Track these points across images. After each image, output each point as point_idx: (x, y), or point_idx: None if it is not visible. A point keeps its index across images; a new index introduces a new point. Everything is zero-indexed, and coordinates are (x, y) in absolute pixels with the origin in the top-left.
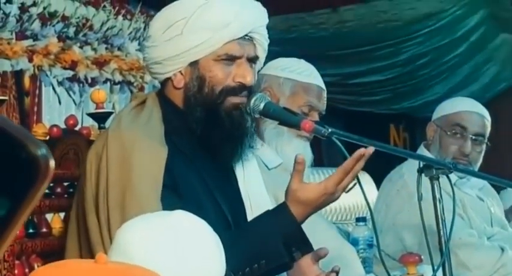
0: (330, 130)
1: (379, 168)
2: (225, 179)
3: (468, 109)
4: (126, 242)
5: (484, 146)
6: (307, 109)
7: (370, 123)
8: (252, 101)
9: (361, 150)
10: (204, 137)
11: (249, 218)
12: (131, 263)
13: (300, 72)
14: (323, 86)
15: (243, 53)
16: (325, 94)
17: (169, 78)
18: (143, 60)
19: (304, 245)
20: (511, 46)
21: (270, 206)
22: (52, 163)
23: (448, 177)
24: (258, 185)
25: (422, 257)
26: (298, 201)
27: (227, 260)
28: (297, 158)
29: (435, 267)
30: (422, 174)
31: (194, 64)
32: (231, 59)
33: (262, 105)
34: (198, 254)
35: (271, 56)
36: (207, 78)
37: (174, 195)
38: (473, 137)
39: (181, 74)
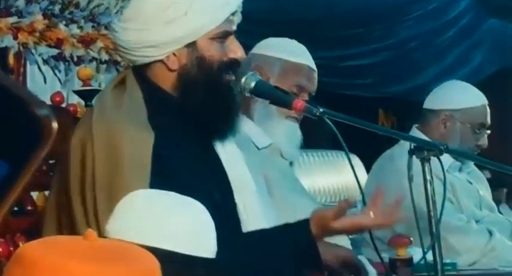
0: (321, 110)
1: (369, 151)
2: (211, 159)
3: (483, 103)
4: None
5: None
6: (296, 89)
7: (359, 107)
8: (243, 79)
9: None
10: (200, 116)
11: (236, 198)
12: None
13: (290, 52)
14: (314, 66)
15: (234, 28)
16: (315, 75)
17: (156, 61)
18: (121, 44)
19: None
20: (499, 31)
21: (254, 186)
22: (55, 124)
23: (439, 159)
24: (240, 165)
25: (411, 239)
26: (324, 228)
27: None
28: (349, 199)
29: (425, 250)
30: (414, 156)
31: (192, 44)
32: (226, 36)
33: (253, 84)
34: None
35: (261, 37)
36: (207, 58)
37: (162, 181)
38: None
39: (175, 55)
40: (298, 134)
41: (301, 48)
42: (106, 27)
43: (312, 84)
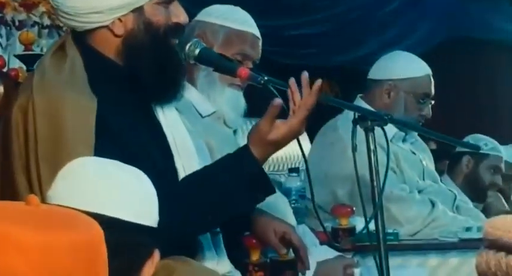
0: (266, 78)
1: (313, 120)
2: (152, 125)
3: (427, 73)
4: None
5: None
6: (240, 57)
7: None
8: (187, 46)
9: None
10: (146, 81)
11: (177, 163)
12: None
13: (234, 20)
14: (258, 34)
15: None
16: (260, 43)
17: (100, 27)
18: (65, 9)
19: (267, 187)
20: (445, 1)
21: (195, 152)
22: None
23: (383, 129)
24: (181, 130)
25: (354, 208)
26: (264, 143)
27: (191, 204)
28: (274, 101)
29: (367, 219)
30: (357, 126)
31: (138, 9)
32: (171, 0)
33: (197, 51)
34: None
35: (205, 4)
36: (154, 22)
37: (106, 147)
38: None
39: (120, 20)
40: (241, 102)
41: (246, 16)
42: None
43: (256, 52)
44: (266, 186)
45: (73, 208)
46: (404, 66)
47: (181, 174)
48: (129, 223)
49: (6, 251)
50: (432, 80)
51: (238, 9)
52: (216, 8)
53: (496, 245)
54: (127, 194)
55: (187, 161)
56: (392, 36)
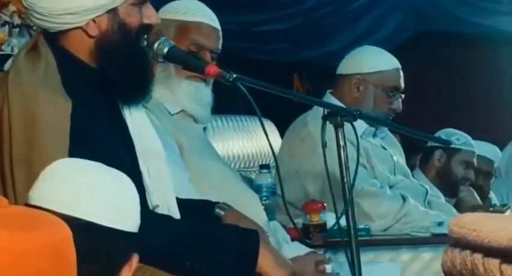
0: (234, 75)
1: (283, 116)
2: (120, 126)
3: (395, 66)
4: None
5: None
6: (195, 48)
7: (273, 73)
8: (156, 45)
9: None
10: (117, 82)
11: (141, 166)
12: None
13: (185, 12)
14: (214, 24)
15: None
16: (217, 33)
17: (73, 28)
18: (38, 10)
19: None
20: None
21: (161, 151)
22: None
23: (352, 125)
24: (147, 131)
25: (325, 204)
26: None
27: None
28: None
29: (338, 215)
30: (327, 122)
31: (113, 11)
32: (144, 1)
33: (166, 50)
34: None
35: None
36: (127, 23)
37: (80, 150)
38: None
39: (94, 22)
40: (203, 94)
41: (198, 7)
42: None
43: (212, 41)
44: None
45: (51, 210)
46: (373, 60)
47: (146, 177)
48: (107, 228)
49: None
50: (401, 73)
51: (191, 1)
52: (169, 4)
53: (460, 244)
54: (105, 198)
55: (153, 164)
56: (362, 31)
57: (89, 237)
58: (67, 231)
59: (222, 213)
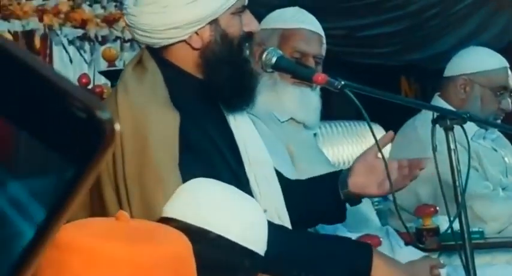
0: (342, 82)
1: (392, 121)
2: (228, 135)
3: (503, 65)
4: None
5: None
6: (298, 55)
7: (381, 76)
8: (264, 55)
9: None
10: (223, 92)
11: (248, 172)
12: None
13: (285, 20)
14: (315, 28)
15: (247, 1)
16: (318, 37)
17: (177, 42)
18: (142, 27)
19: None
20: None
21: (268, 158)
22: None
23: (462, 128)
24: (253, 138)
25: (437, 208)
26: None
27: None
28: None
29: (451, 219)
30: (437, 125)
31: (214, 22)
32: (244, 9)
33: (274, 59)
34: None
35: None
36: (229, 34)
37: (191, 162)
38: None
39: (197, 34)
40: (310, 99)
41: (298, 14)
42: None
43: (314, 47)
44: None
45: (183, 222)
46: (478, 60)
47: (253, 183)
48: (237, 244)
49: (98, 265)
50: (510, 72)
51: (289, 9)
52: (270, 14)
53: None
54: (239, 215)
55: (260, 170)
56: (468, 33)
57: (217, 251)
58: (187, 244)
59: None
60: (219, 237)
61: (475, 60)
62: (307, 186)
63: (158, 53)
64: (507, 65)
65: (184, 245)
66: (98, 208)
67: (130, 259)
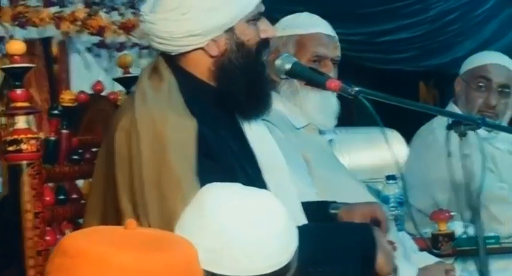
0: (356, 89)
1: (409, 126)
2: (240, 141)
3: (492, 61)
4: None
5: (511, 98)
6: (317, 59)
7: (399, 81)
8: (279, 61)
9: None
10: (238, 99)
11: (264, 177)
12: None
13: (300, 26)
14: (329, 32)
15: (263, 8)
16: (334, 40)
17: (194, 49)
18: (161, 34)
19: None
20: None
21: (284, 164)
22: None
23: (476, 132)
24: (268, 144)
25: (452, 213)
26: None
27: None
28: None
29: (466, 224)
30: (452, 131)
31: (230, 29)
32: (260, 17)
33: (289, 66)
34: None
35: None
36: (245, 42)
37: (208, 168)
38: (499, 89)
39: (214, 41)
40: (331, 102)
41: (312, 19)
42: None
43: (331, 50)
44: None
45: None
46: (469, 61)
47: (269, 188)
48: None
49: (108, 273)
50: (499, 68)
51: (303, 14)
52: (282, 21)
53: None
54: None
55: (275, 175)
56: (488, 37)
57: None
58: (194, 251)
59: (337, 212)
60: None
61: (466, 62)
62: None
63: (173, 61)
64: (496, 62)
65: (192, 253)
66: (112, 218)
67: (140, 267)
